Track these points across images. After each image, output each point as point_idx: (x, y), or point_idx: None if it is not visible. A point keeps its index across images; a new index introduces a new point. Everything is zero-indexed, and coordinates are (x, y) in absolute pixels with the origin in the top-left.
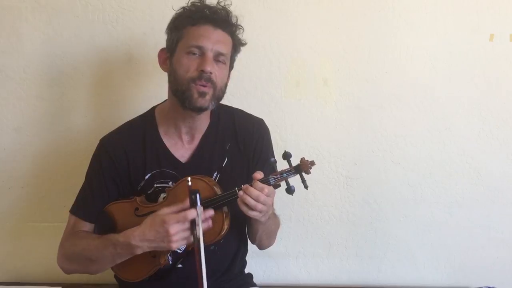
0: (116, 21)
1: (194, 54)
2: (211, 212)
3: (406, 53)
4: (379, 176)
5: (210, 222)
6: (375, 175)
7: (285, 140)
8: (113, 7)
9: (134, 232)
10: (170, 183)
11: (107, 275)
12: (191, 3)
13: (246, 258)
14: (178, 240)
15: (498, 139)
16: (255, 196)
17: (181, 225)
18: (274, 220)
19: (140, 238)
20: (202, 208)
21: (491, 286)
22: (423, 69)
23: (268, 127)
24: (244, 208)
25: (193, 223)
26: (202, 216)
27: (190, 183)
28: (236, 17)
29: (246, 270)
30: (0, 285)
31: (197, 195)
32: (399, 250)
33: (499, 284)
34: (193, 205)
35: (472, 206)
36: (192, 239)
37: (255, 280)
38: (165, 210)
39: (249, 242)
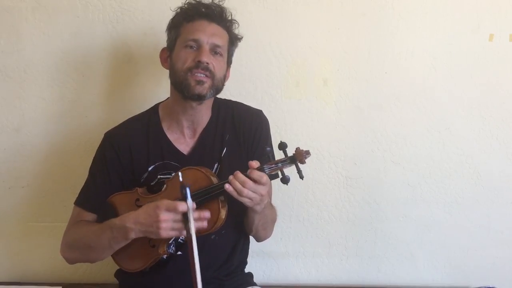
0: (116, 21)
1: (191, 47)
2: (207, 214)
3: (406, 53)
4: (379, 176)
5: (205, 223)
6: (375, 175)
7: (285, 140)
8: (113, 7)
9: (130, 214)
10: (173, 174)
11: (107, 275)
12: (187, 2)
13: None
14: (167, 229)
15: (498, 139)
16: (241, 181)
17: (172, 215)
18: (271, 210)
19: (134, 220)
20: (194, 204)
21: (491, 286)
22: (423, 69)
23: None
24: (234, 194)
25: (186, 218)
26: (196, 214)
27: (181, 179)
28: (231, 13)
29: (246, 270)
30: (0, 285)
31: (187, 190)
32: (399, 250)
33: (499, 284)
34: (183, 199)
35: (472, 206)
36: (184, 232)
37: (255, 279)
38: (164, 200)
39: (250, 240)
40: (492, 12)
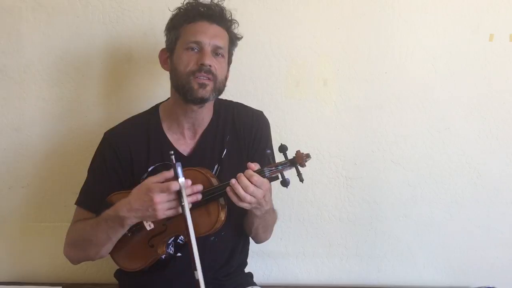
0: (116, 21)
1: (193, 49)
2: (199, 187)
3: (406, 53)
4: (379, 176)
5: (199, 196)
6: (375, 175)
7: (285, 140)
8: (113, 7)
9: (121, 203)
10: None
11: (107, 275)
12: (186, 2)
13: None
14: (163, 209)
15: (498, 139)
16: (244, 185)
17: (166, 195)
18: (272, 215)
19: (127, 208)
20: (189, 181)
21: (491, 286)
22: (423, 69)
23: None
24: (234, 199)
25: (180, 195)
26: (189, 190)
27: (173, 156)
28: (230, 12)
29: (246, 270)
30: (0, 285)
31: (178, 168)
32: (399, 250)
33: (499, 284)
34: (176, 177)
35: (472, 206)
36: (180, 210)
37: (255, 279)
38: (151, 179)
39: (251, 241)
40: (492, 12)
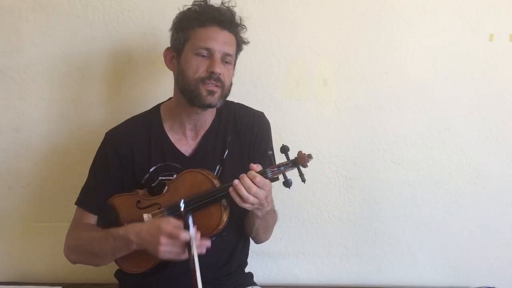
0: (116, 21)
1: (202, 55)
2: (208, 243)
3: (406, 53)
4: (379, 176)
5: (203, 250)
6: (375, 175)
7: (285, 140)
8: (113, 7)
9: (134, 227)
10: (174, 175)
11: (107, 275)
12: (196, 3)
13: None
14: (165, 252)
15: (497, 139)
16: (247, 186)
17: (172, 241)
18: (273, 215)
19: (136, 234)
20: (198, 233)
21: (491, 286)
22: (423, 69)
23: None
24: (237, 199)
25: (188, 244)
26: (198, 242)
27: (182, 208)
28: (240, 18)
29: (246, 270)
30: (0, 285)
31: (190, 219)
32: (399, 250)
33: (499, 284)
34: (186, 227)
35: (472, 206)
36: (182, 256)
37: (255, 279)
38: (171, 220)
39: (251, 242)
40: (492, 12)
